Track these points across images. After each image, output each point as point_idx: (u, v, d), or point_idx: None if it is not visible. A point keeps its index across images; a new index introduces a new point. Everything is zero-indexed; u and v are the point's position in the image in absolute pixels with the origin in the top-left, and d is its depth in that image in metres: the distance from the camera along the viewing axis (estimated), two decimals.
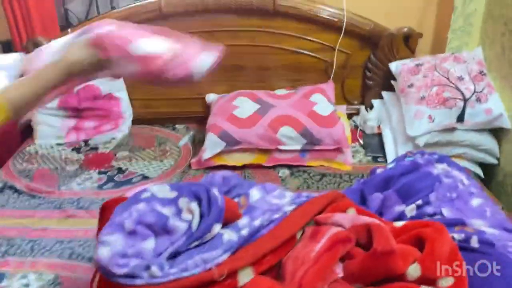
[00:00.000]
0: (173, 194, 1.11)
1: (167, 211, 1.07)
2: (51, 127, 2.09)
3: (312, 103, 1.98)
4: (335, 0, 2.08)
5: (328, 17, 2.09)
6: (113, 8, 2.21)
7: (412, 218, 1.39)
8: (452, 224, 1.29)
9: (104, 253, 0.95)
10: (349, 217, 1.19)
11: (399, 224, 1.26)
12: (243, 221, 1.12)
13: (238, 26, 2.11)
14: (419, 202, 1.41)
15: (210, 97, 2.20)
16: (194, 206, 1.07)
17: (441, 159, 1.62)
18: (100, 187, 1.81)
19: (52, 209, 1.67)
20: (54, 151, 2.04)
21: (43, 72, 0.97)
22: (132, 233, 1.00)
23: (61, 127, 2.10)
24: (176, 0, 2.03)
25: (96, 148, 2.08)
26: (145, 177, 1.87)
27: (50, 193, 1.76)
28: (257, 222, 1.11)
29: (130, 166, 1.95)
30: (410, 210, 1.41)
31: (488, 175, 1.95)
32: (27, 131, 2.14)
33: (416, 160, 1.60)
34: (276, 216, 1.16)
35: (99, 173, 1.91)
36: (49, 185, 1.81)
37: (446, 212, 1.36)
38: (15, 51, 2.19)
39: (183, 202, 1.09)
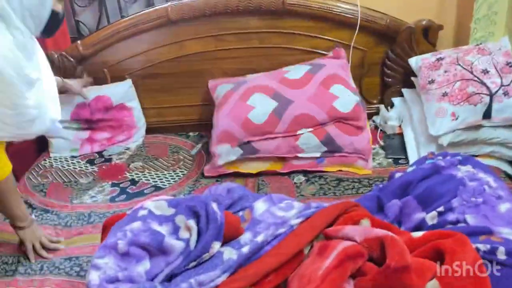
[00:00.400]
0: (170, 211, 1.06)
1: (163, 229, 1.02)
2: (65, 140, 2.09)
3: (332, 96, 1.80)
4: None
5: (341, 14, 1.99)
6: (122, 16, 2.18)
7: (433, 226, 1.29)
8: (476, 233, 1.18)
9: (94, 277, 0.90)
10: (361, 230, 1.10)
11: (417, 234, 1.16)
12: (245, 237, 1.06)
13: (247, 28, 2.04)
14: (441, 208, 1.31)
15: (217, 90, 2.01)
16: (192, 223, 1.02)
17: (465, 160, 1.51)
18: (113, 199, 1.79)
19: (62, 226, 1.65)
20: (69, 164, 2.04)
21: None
22: (125, 255, 0.96)
23: (74, 139, 2.09)
24: (183, 6, 1.98)
25: (110, 160, 2.06)
26: (157, 188, 1.83)
27: (63, 207, 1.75)
28: (260, 238, 1.04)
29: (143, 177, 1.92)
30: (431, 217, 1.30)
31: None
32: (43, 145, 2.15)
33: (437, 162, 1.49)
34: (282, 230, 1.09)
35: (112, 185, 1.88)
36: (62, 199, 1.80)
37: (471, 219, 1.25)
38: None
39: (180, 219, 1.04)
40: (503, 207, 1.29)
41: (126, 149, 2.12)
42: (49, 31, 1.33)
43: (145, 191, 1.82)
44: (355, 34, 2.02)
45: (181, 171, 1.93)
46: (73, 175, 1.96)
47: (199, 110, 2.22)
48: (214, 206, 1.07)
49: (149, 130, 2.23)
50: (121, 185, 1.87)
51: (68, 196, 1.82)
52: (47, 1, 1.24)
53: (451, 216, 1.28)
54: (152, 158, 2.05)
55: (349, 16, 1.99)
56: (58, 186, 1.90)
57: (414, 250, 1.08)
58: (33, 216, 1.53)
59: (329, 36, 2.06)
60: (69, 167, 2.02)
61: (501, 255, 1.07)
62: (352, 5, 1.98)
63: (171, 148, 2.11)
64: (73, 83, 1.95)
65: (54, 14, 1.28)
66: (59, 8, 1.32)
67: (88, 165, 2.03)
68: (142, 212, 1.05)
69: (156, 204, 1.07)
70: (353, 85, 1.92)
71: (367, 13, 1.98)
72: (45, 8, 1.24)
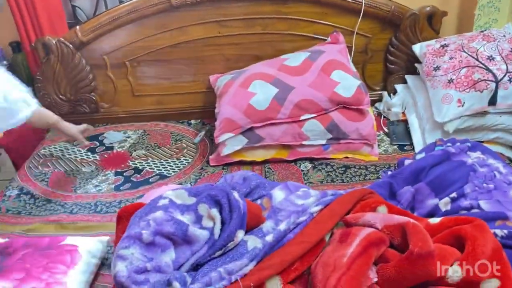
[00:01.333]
0: (191, 200, 1.05)
1: (186, 218, 1.00)
2: None
3: (333, 82, 1.78)
4: None
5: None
6: (121, 2, 2.13)
7: (447, 212, 1.30)
8: (492, 218, 1.20)
9: (122, 268, 0.89)
10: (381, 217, 1.11)
11: (435, 221, 1.17)
12: (267, 225, 1.05)
13: (250, 14, 2.01)
14: (454, 194, 1.32)
15: (218, 82, 2.00)
16: (215, 212, 1.01)
17: (475, 147, 1.52)
18: (117, 188, 1.76)
19: (68, 213, 1.62)
20: (69, 153, 2.00)
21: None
22: (150, 245, 0.94)
23: None
24: None
25: (111, 148, 2.03)
26: (162, 176, 1.81)
27: (66, 197, 1.72)
28: (282, 226, 1.04)
29: (147, 165, 1.89)
30: (444, 203, 1.32)
31: None
32: (41, 134, 2.10)
33: (447, 149, 1.50)
34: (303, 218, 1.09)
35: (116, 173, 1.86)
36: (66, 189, 1.77)
37: (484, 204, 1.26)
38: (24, 51, 2.14)
39: (202, 208, 1.02)
40: None
41: (127, 137, 2.08)
42: None
43: (150, 179, 1.80)
44: (359, 20, 2.01)
45: (185, 159, 1.91)
46: (75, 164, 1.93)
47: (201, 97, 2.19)
48: (236, 195, 1.06)
49: (150, 117, 2.20)
50: (125, 174, 1.85)
51: (71, 186, 1.79)
52: None
53: (464, 202, 1.29)
54: (155, 146, 2.02)
55: (353, 2, 1.98)
56: (60, 175, 1.86)
57: (433, 236, 1.09)
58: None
59: (332, 22, 2.04)
60: (70, 156, 1.98)
61: None
62: None
63: (173, 136, 2.08)
64: (70, 126, 1.68)
65: None
66: None
67: (89, 153, 2.00)
68: (163, 202, 1.03)
69: (177, 193, 1.06)
70: (353, 69, 1.91)
71: None
72: None
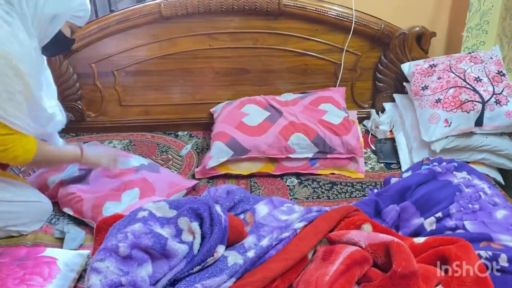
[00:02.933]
0: (172, 213, 1.02)
1: (165, 232, 0.97)
2: None
3: (321, 111, 1.88)
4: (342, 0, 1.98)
5: (336, 17, 1.98)
6: (112, 11, 2.12)
7: (432, 232, 1.29)
8: (477, 239, 1.18)
9: (95, 282, 0.85)
10: (365, 235, 1.09)
11: (419, 240, 1.16)
12: (249, 241, 1.03)
13: (241, 27, 2.01)
14: (439, 214, 1.31)
15: (216, 109, 2.08)
16: (195, 226, 0.98)
17: (461, 167, 1.52)
18: None
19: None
20: None
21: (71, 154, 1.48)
22: (126, 258, 0.91)
23: None
24: (176, 2, 1.94)
25: None
26: None
27: None
28: (264, 242, 1.01)
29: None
30: (429, 223, 1.31)
31: (509, 182, 1.83)
32: None
33: (434, 168, 1.50)
34: (286, 234, 1.07)
35: None
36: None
37: (469, 225, 1.25)
38: None
39: (183, 222, 1.00)
40: (500, 213, 1.30)
41: (113, 147, 2.05)
42: (49, 49, 1.41)
43: None
44: (349, 37, 2.02)
45: (170, 172, 1.88)
46: None
47: (189, 109, 2.17)
48: (218, 208, 1.03)
49: (136, 128, 2.17)
50: None
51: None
52: (58, 20, 1.32)
53: (449, 222, 1.28)
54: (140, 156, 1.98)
55: (344, 19, 1.99)
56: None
57: (417, 256, 1.08)
58: (82, 145, 1.54)
59: (323, 39, 2.05)
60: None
61: (503, 262, 1.07)
62: (347, 9, 1.98)
63: (159, 147, 2.05)
64: (97, 157, 1.54)
65: (60, 35, 1.37)
66: (67, 32, 1.41)
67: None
68: (142, 214, 1.00)
69: (157, 206, 1.03)
70: (342, 105, 1.96)
71: (361, 17, 1.98)
72: (54, 26, 1.33)
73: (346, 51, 2.06)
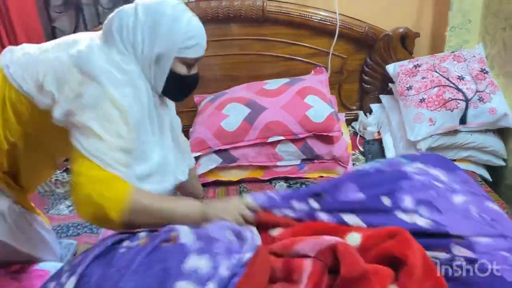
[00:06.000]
0: None
1: None
2: None
3: (306, 105, 1.79)
4: (326, 3, 2.00)
5: (320, 21, 2.01)
6: (100, 23, 2.15)
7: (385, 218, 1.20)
8: (431, 234, 1.11)
9: None
10: (311, 243, 0.98)
11: (355, 239, 1.04)
12: (204, 265, 0.89)
13: (227, 35, 2.04)
14: (389, 200, 1.20)
15: (201, 104, 2.04)
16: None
17: (415, 158, 1.34)
18: None
19: None
20: None
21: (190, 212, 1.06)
22: None
23: None
24: None
25: None
26: None
27: None
28: (224, 271, 0.88)
29: None
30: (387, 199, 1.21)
31: (497, 178, 1.85)
32: None
33: (392, 160, 1.40)
34: (248, 255, 0.97)
35: None
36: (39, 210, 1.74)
37: (424, 211, 1.14)
38: None
39: None
40: (458, 199, 1.15)
41: None
42: (170, 93, 1.18)
43: None
44: (334, 41, 2.04)
45: None
46: (49, 185, 1.90)
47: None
48: None
49: None
50: None
51: (45, 207, 1.77)
52: (164, 60, 1.09)
53: (402, 208, 1.11)
54: None
55: (328, 23, 2.01)
56: (35, 196, 1.84)
57: (363, 253, 1.01)
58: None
59: (308, 43, 2.07)
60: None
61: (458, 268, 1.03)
62: (331, 13, 2.00)
63: None
64: (222, 210, 1.10)
65: (173, 76, 1.12)
66: (181, 69, 1.13)
67: (64, 174, 1.98)
68: None
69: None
70: (329, 97, 1.92)
71: (345, 20, 2.01)
72: (161, 67, 1.10)
73: (332, 54, 2.08)
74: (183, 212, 1.06)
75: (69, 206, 1.77)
